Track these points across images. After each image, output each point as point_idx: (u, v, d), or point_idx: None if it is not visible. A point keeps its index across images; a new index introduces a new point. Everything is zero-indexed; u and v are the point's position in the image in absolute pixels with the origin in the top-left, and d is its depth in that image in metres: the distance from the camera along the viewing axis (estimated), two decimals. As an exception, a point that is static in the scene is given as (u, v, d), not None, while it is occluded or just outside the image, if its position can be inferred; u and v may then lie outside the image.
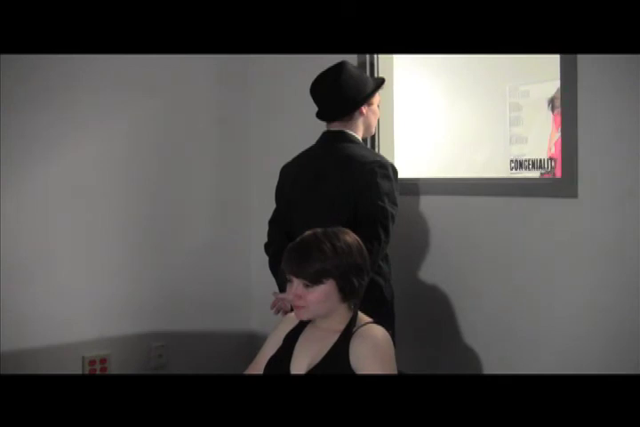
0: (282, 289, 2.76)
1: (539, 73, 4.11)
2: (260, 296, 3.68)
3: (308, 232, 2.21)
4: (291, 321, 2.30)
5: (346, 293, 2.17)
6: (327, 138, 2.95)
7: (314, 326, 2.25)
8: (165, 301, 3.74)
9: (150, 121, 3.73)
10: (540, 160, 4.40)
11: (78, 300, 3.52)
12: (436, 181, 3.33)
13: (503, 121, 4.61)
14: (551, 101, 4.28)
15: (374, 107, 3.00)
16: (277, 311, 2.84)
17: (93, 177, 3.57)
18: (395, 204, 2.78)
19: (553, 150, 4.26)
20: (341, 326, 2.19)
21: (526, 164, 4.43)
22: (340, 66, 2.90)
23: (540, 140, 4.45)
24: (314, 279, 2.14)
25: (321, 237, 2.17)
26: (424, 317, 3.26)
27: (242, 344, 3.92)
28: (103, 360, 3.58)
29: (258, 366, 2.27)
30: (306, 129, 3.14)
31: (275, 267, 2.85)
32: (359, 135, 2.96)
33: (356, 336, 2.15)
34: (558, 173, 3.46)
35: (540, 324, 2.89)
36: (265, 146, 3.97)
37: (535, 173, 4.38)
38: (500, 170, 4.42)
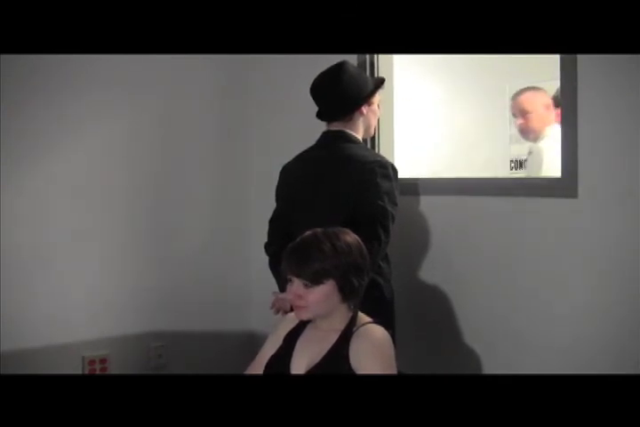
0: (282, 289, 2.75)
1: (539, 73, 4.10)
2: (259, 296, 3.68)
3: (308, 232, 2.21)
4: (291, 321, 2.30)
5: (346, 293, 2.17)
6: (327, 138, 2.95)
7: (314, 326, 2.25)
8: (165, 301, 3.74)
9: (150, 121, 3.73)
10: (540, 160, 4.39)
11: (78, 300, 3.51)
12: (435, 181, 3.32)
13: (503, 121, 4.60)
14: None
15: (374, 107, 3.00)
16: (277, 311, 2.85)
17: (93, 177, 3.57)
18: (395, 204, 2.78)
19: (553, 150, 4.25)
20: (341, 326, 2.19)
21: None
22: (340, 66, 2.90)
23: (540, 140, 4.45)
24: (314, 279, 2.14)
25: (321, 237, 2.17)
26: (424, 317, 3.26)
27: (241, 344, 3.92)
28: (103, 360, 3.58)
29: (258, 366, 2.27)
30: (306, 129, 3.14)
31: (275, 267, 2.85)
32: (359, 135, 2.96)
33: (355, 336, 2.15)
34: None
35: (540, 324, 2.89)
36: (265, 146, 3.97)
37: (535, 173, 4.38)
38: (500, 170, 4.42)
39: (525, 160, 4.22)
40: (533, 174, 3.79)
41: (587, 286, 2.76)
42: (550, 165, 3.58)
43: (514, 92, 4.00)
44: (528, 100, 3.84)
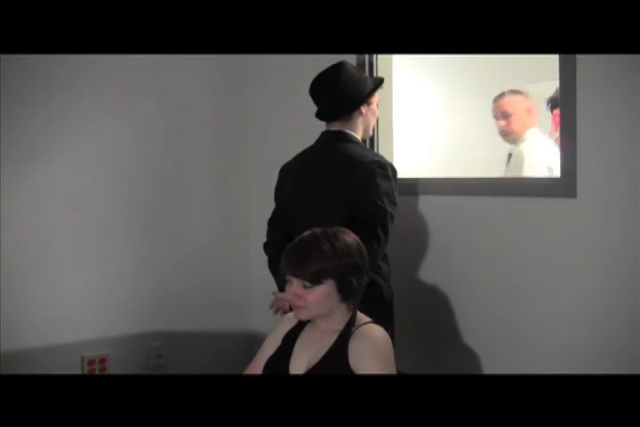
0: (281, 289, 2.76)
1: (538, 73, 4.10)
2: (259, 296, 3.68)
3: (307, 232, 2.21)
4: (290, 321, 2.30)
5: (345, 293, 2.17)
6: (326, 138, 2.95)
7: (313, 326, 2.25)
8: (165, 301, 3.74)
9: (150, 121, 3.73)
10: (540, 160, 4.38)
11: (78, 300, 3.52)
12: (435, 181, 3.32)
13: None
14: (550, 101, 4.28)
15: (373, 106, 3.00)
16: (276, 311, 2.85)
17: (93, 177, 3.57)
18: (394, 204, 2.78)
19: (552, 150, 4.25)
20: (340, 326, 2.19)
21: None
22: (339, 66, 2.90)
23: (540, 140, 4.44)
24: (313, 279, 2.14)
25: (320, 237, 2.17)
26: (424, 317, 3.26)
27: (241, 344, 3.92)
28: (102, 360, 3.58)
29: (257, 366, 2.27)
30: (306, 129, 3.14)
31: (274, 267, 2.85)
32: (358, 135, 2.96)
33: (354, 336, 2.15)
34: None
35: (540, 324, 2.89)
36: (264, 146, 3.97)
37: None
38: (499, 170, 4.41)
39: (508, 162, 4.24)
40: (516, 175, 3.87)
41: (587, 285, 2.76)
42: (532, 166, 3.72)
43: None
44: (509, 102, 3.93)
